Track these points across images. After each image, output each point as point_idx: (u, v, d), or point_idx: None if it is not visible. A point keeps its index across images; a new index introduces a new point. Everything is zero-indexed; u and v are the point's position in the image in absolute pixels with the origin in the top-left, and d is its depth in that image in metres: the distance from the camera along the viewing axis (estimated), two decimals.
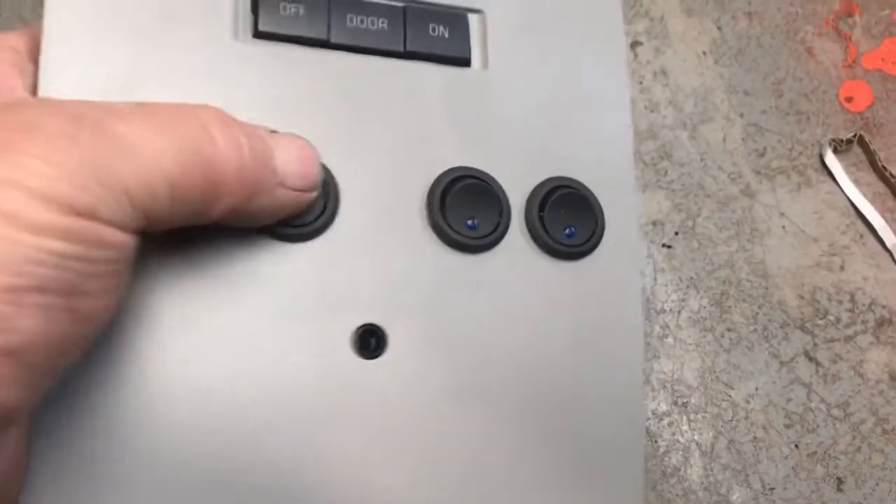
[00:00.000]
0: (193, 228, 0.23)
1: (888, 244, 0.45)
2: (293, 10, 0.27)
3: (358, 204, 0.26)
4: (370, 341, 0.26)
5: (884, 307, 0.45)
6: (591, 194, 0.29)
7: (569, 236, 0.28)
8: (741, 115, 0.47)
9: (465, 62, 0.29)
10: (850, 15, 0.51)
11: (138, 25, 0.25)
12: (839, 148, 0.47)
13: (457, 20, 0.29)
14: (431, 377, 0.26)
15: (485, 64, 0.29)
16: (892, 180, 0.47)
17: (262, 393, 0.25)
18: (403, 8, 0.29)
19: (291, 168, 0.23)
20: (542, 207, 0.28)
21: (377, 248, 0.26)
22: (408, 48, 0.28)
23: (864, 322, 0.44)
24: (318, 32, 0.27)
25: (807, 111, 0.48)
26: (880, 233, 0.46)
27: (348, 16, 0.28)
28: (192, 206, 0.21)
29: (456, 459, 0.26)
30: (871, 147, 0.47)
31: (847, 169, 0.47)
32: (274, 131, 0.24)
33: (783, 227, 0.45)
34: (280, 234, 0.26)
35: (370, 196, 0.27)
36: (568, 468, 0.28)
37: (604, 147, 0.30)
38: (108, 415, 0.23)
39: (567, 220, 0.28)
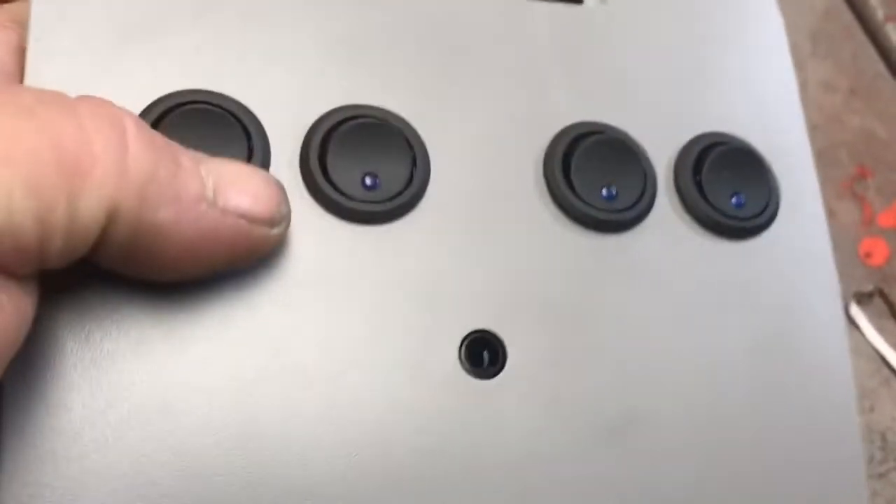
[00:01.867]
0: None
1: None
2: None
3: (453, 173, 0.20)
4: (482, 355, 0.19)
5: None
6: (758, 151, 0.22)
7: (737, 206, 0.22)
8: None
9: None
10: (864, 178, 0.57)
11: None
12: (862, 300, 0.52)
13: None
14: (570, 401, 0.19)
15: None
16: None
17: (341, 428, 0.18)
18: None
19: (233, 188, 0.17)
20: (697, 170, 0.22)
21: (482, 230, 0.20)
22: None
23: (895, 459, 0.49)
24: None
25: None
26: None
27: None
28: (49, 212, 0.15)
29: None
30: (890, 298, 0.52)
31: (871, 319, 0.52)
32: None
33: None
34: (351, 212, 0.19)
35: (468, 163, 0.21)
36: None
37: (764, 96, 0.23)
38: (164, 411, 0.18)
39: (732, 185, 0.22)
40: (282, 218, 0.18)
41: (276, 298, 0.18)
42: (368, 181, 0.19)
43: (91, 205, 0.15)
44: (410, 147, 0.20)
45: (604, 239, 0.21)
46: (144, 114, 0.19)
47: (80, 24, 0.19)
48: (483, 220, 0.20)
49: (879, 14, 0.58)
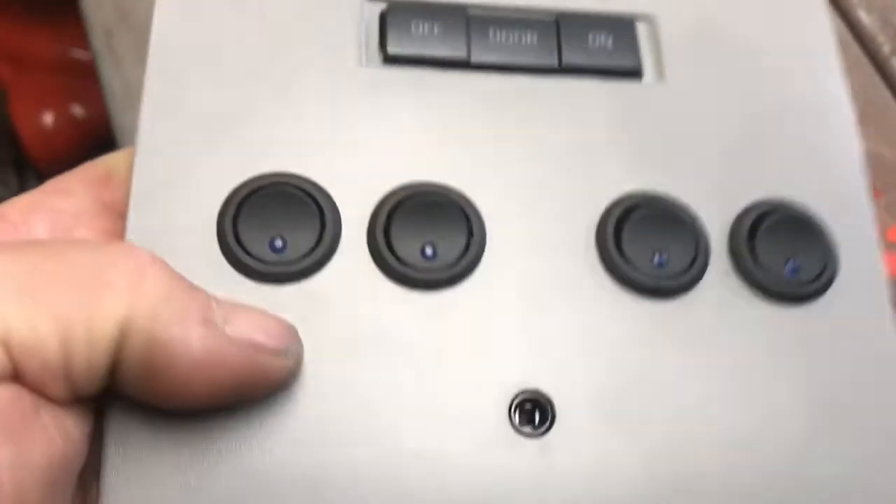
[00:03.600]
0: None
1: None
2: (426, 28, 0.23)
3: (508, 242, 0.22)
4: (533, 414, 0.20)
5: None
6: (816, 218, 0.23)
7: (792, 272, 0.22)
8: None
9: (635, 73, 0.24)
10: (875, 197, 0.61)
11: (251, 60, 0.23)
12: None
13: (621, 27, 0.24)
14: (617, 461, 0.20)
15: (660, 75, 0.24)
16: None
17: (394, 482, 0.19)
18: (556, 19, 0.24)
19: (242, 318, 0.19)
20: (752, 236, 0.22)
21: (535, 296, 0.21)
22: (564, 63, 0.24)
23: None
24: (456, 52, 0.23)
25: None
26: None
27: (491, 31, 0.24)
28: (68, 328, 0.17)
29: None
30: None
31: None
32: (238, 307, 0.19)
33: None
34: (411, 279, 0.21)
35: (524, 233, 0.22)
36: None
37: (823, 163, 0.24)
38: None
39: (787, 251, 0.22)
40: (289, 352, 0.19)
41: (339, 355, 0.20)
42: (428, 251, 0.21)
43: (106, 318, 0.17)
44: (467, 218, 0.21)
45: (656, 304, 0.21)
46: (232, 196, 0.21)
47: (174, 123, 0.22)
48: (537, 286, 0.21)
49: (885, 48, 0.62)
